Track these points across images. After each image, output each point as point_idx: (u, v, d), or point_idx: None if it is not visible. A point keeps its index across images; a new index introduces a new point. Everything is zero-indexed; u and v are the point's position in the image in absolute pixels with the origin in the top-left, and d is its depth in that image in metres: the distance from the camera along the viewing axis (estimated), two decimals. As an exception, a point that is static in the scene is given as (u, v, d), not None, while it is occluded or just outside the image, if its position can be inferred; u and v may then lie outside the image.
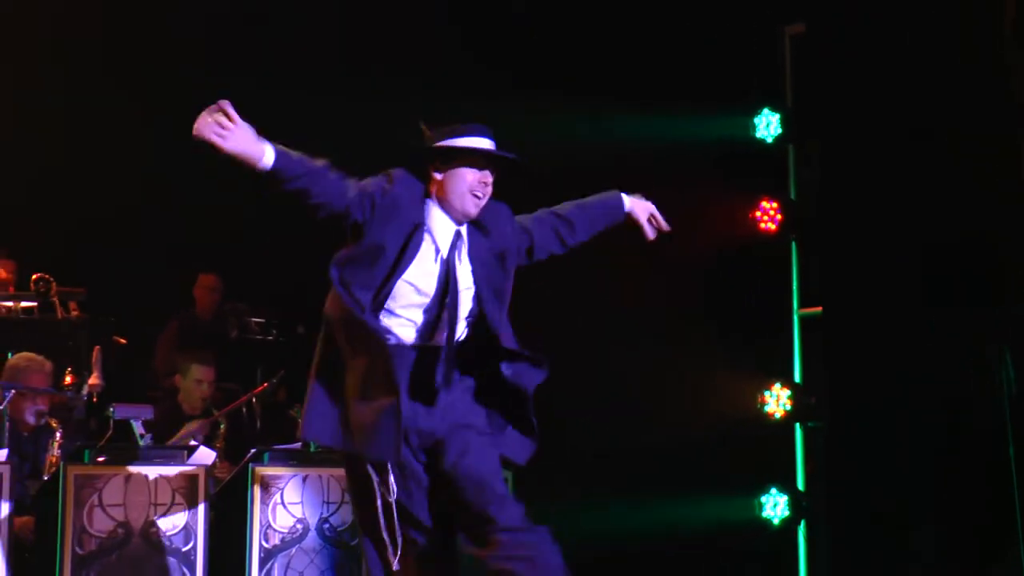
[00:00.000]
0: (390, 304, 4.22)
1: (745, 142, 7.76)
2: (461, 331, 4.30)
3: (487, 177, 4.24)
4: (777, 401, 7.56)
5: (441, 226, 4.24)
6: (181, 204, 9.25)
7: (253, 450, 6.61)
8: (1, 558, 5.72)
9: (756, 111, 7.75)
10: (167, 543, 6.19)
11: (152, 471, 6.27)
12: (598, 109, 7.73)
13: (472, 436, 4.28)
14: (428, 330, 4.27)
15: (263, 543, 6.46)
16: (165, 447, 6.88)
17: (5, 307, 7.69)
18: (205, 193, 8.60)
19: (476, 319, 4.32)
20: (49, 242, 8.82)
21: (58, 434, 6.65)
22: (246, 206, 9.34)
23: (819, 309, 7.49)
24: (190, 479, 6.34)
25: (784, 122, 7.70)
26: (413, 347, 4.27)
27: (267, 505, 6.46)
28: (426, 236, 4.22)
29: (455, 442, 4.25)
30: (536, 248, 4.49)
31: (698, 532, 7.56)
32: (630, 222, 4.63)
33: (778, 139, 7.74)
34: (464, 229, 4.30)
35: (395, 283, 4.18)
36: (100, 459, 6.17)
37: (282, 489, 6.55)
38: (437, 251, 4.22)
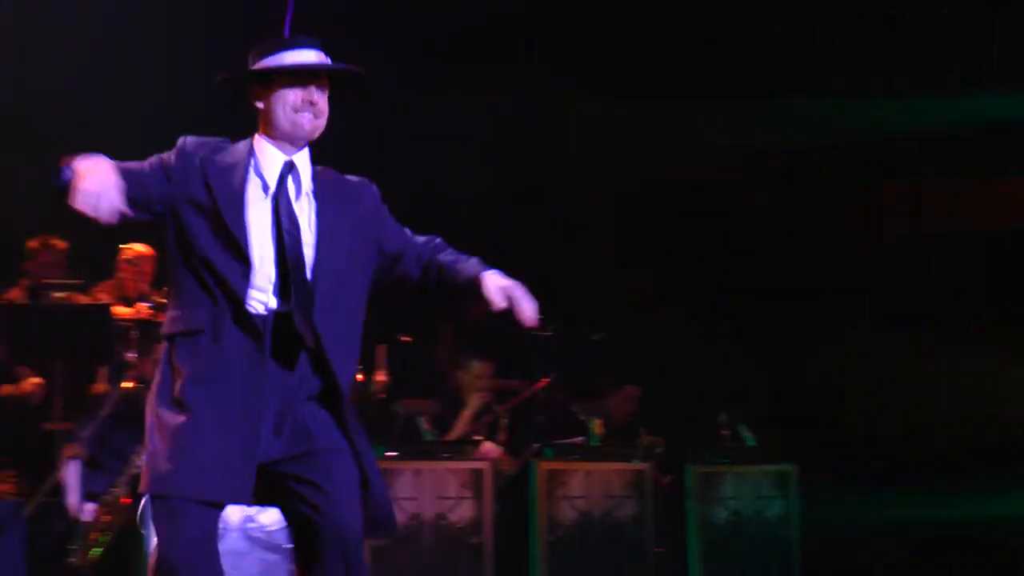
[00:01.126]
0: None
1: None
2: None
3: (312, 94, 3.63)
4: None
5: (269, 159, 3.63)
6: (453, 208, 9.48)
7: (536, 445, 6.69)
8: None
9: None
10: (457, 536, 6.32)
11: (439, 465, 6.41)
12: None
13: None
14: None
15: (548, 537, 6.52)
16: (450, 442, 7.02)
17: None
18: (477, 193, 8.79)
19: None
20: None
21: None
22: (515, 202, 9.59)
23: None
24: (476, 473, 6.46)
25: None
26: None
27: (552, 499, 6.52)
28: (251, 173, 3.62)
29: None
30: (404, 258, 3.77)
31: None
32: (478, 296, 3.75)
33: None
34: (303, 168, 3.67)
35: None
36: (389, 454, 6.35)
37: (567, 483, 6.60)
38: (265, 186, 3.61)
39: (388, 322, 8.29)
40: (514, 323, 3.71)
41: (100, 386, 6.90)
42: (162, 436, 3.48)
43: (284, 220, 3.55)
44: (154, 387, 3.57)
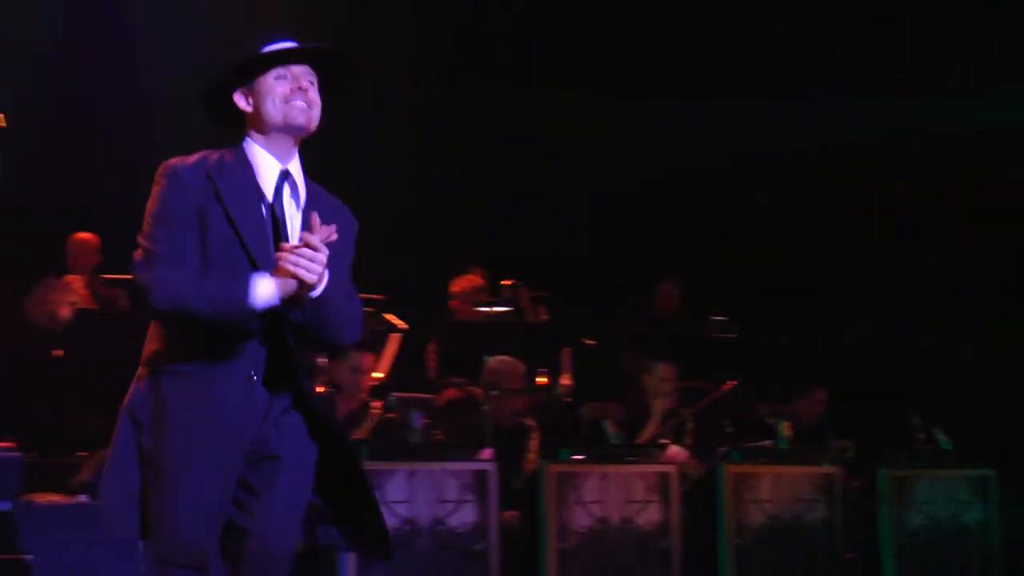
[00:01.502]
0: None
1: None
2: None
3: (301, 82, 3.41)
4: None
5: (265, 168, 3.40)
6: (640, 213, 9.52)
7: (723, 448, 6.62)
8: (494, 549, 5.98)
9: None
10: (645, 538, 6.29)
11: (626, 469, 6.39)
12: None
13: None
14: None
15: (736, 541, 6.45)
16: (637, 445, 7.00)
17: (481, 312, 8.05)
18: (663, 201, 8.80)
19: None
20: (516, 249, 9.21)
21: (535, 433, 6.89)
22: (703, 210, 9.56)
23: None
24: (663, 477, 6.42)
25: None
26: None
27: (740, 503, 6.45)
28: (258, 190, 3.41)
29: None
30: None
31: None
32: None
33: None
34: (299, 177, 3.46)
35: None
36: (577, 457, 6.36)
37: (755, 487, 6.52)
38: (264, 200, 3.39)
39: (572, 325, 8.35)
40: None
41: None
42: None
43: (280, 232, 3.35)
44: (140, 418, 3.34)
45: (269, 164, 3.40)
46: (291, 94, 3.39)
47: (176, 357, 3.30)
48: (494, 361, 7.09)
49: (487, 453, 6.21)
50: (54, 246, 8.05)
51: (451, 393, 7.47)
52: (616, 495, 6.29)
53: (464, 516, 5.95)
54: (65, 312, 7.39)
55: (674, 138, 9.63)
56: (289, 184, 3.41)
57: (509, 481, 6.41)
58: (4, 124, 6.46)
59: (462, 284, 8.41)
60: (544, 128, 9.83)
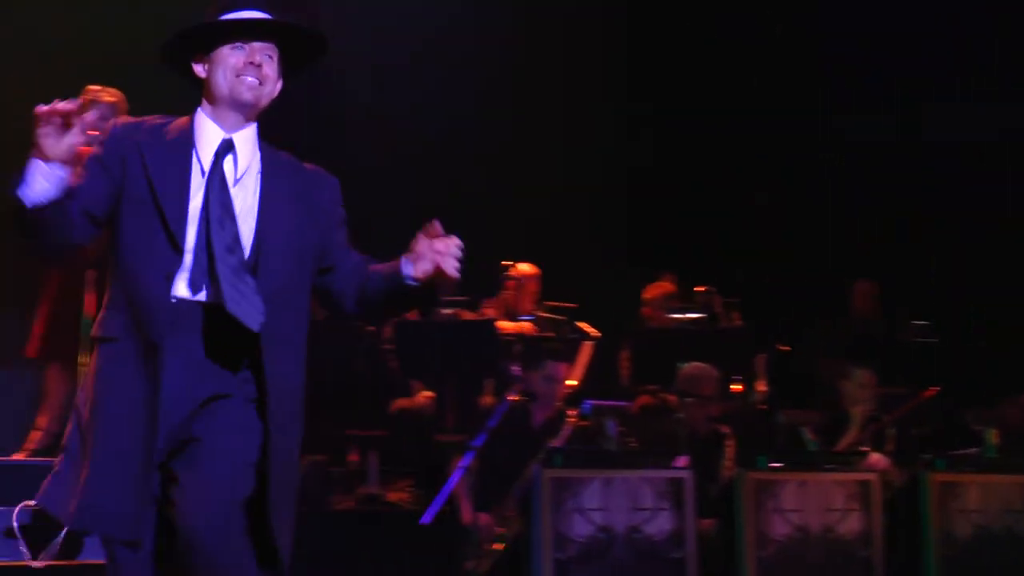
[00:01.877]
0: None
1: None
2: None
3: (255, 55, 3.27)
4: None
5: (207, 137, 3.27)
6: (823, 214, 9.35)
7: (926, 456, 6.45)
8: (692, 558, 5.93)
9: None
10: (847, 548, 6.17)
11: (826, 476, 6.28)
12: None
13: None
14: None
15: (943, 552, 6.27)
16: (836, 453, 6.87)
17: (675, 319, 8.01)
18: (848, 199, 8.61)
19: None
20: (705, 255, 9.16)
21: (730, 440, 6.82)
22: (895, 210, 9.34)
23: None
24: (864, 485, 6.29)
25: None
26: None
27: (946, 513, 6.27)
28: (193, 157, 3.26)
29: None
30: (336, 270, 3.40)
31: None
32: (423, 280, 3.30)
33: None
34: (244, 147, 3.30)
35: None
36: (775, 465, 6.27)
37: (961, 496, 6.33)
38: (203, 169, 3.24)
39: (766, 331, 8.25)
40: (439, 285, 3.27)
41: (488, 399, 7.14)
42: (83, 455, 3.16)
43: (214, 207, 3.18)
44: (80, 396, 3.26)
45: (212, 133, 3.28)
46: (243, 68, 3.27)
47: (110, 325, 3.22)
48: (688, 368, 7.05)
49: (682, 460, 6.17)
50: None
51: (645, 400, 7.46)
52: (815, 503, 6.18)
53: (660, 524, 5.93)
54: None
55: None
56: (233, 155, 3.26)
57: (705, 489, 6.35)
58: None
59: (654, 291, 8.40)
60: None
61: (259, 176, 3.28)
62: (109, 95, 6.37)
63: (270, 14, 3.33)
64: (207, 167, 3.22)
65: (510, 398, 6.58)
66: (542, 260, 8.02)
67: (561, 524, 5.85)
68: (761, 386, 7.44)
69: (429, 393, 7.43)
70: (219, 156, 3.24)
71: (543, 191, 9.24)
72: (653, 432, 7.00)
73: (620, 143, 9.76)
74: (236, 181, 3.24)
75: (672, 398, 7.08)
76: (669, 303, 8.27)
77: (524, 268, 7.87)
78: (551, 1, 9.59)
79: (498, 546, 6.21)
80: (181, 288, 3.15)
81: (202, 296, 3.16)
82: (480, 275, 7.88)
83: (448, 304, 7.43)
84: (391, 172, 8.89)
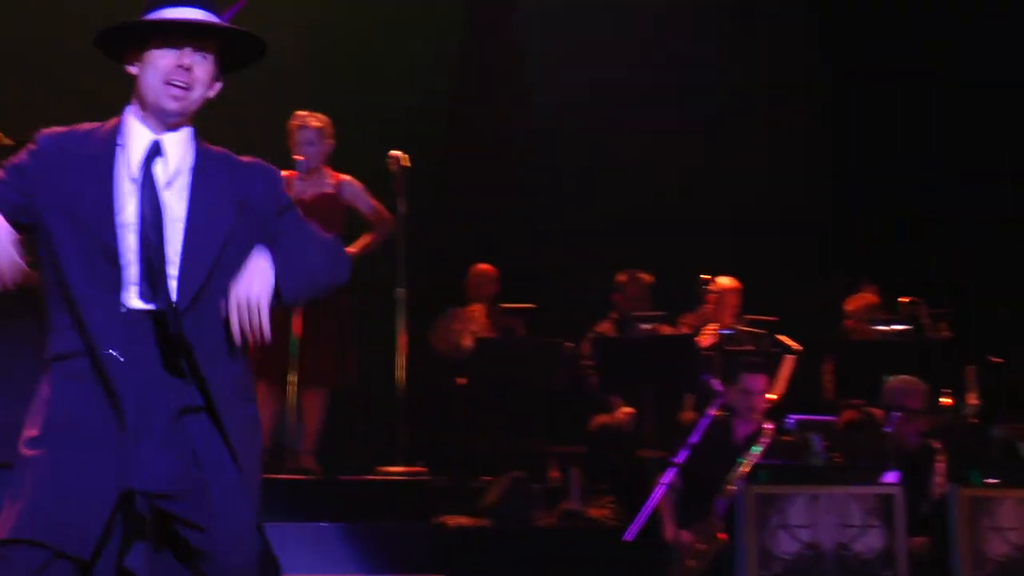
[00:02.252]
0: None
1: None
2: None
3: (186, 59, 3.14)
4: None
5: (136, 139, 3.17)
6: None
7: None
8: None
9: None
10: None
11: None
12: None
13: None
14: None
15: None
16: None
17: (879, 331, 7.83)
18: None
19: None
20: (914, 265, 8.95)
21: (941, 456, 6.61)
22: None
23: None
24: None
25: None
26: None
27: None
28: (119, 160, 3.16)
29: None
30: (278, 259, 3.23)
31: None
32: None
33: None
34: (174, 148, 3.20)
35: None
36: (990, 481, 6.06)
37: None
38: (129, 174, 3.15)
39: (977, 342, 8.00)
40: None
41: (688, 414, 7.08)
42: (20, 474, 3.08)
43: (146, 211, 3.10)
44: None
45: (140, 135, 3.19)
46: (172, 72, 3.15)
47: (58, 342, 3.16)
48: (894, 381, 6.86)
49: (891, 476, 6.01)
50: (455, 278, 8.38)
51: (850, 415, 7.30)
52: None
53: (870, 542, 5.78)
54: (468, 341, 7.69)
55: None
56: (162, 156, 3.18)
57: (915, 505, 6.18)
58: (407, 163, 6.81)
59: (856, 303, 8.24)
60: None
61: (190, 176, 3.19)
62: (316, 120, 6.56)
63: (209, 11, 3.23)
64: (135, 171, 3.15)
65: (711, 412, 6.51)
66: (740, 273, 7.93)
67: (766, 541, 5.76)
68: (972, 399, 7.19)
69: (629, 409, 7.40)
70: (148, 160, 3.17)
71: (742, 203, 9.16)
72: (859, 447, 6.84)
73: (819, 149, 9.64)
74: (168, 184, 3.17)
75: (878, 412, 6.91)
76: (871, 314, 8.09)
77: (724, 282, 7.80)
78: (749, 14, 9.53)
79: (695, 563, 6.15)
80: (131, 299, 3.11)
81: (152, 305, 3.11)
82: (677, 289, 7.87)
83: (646, 320, 7.41)
84: (591, 185, 8.92)
